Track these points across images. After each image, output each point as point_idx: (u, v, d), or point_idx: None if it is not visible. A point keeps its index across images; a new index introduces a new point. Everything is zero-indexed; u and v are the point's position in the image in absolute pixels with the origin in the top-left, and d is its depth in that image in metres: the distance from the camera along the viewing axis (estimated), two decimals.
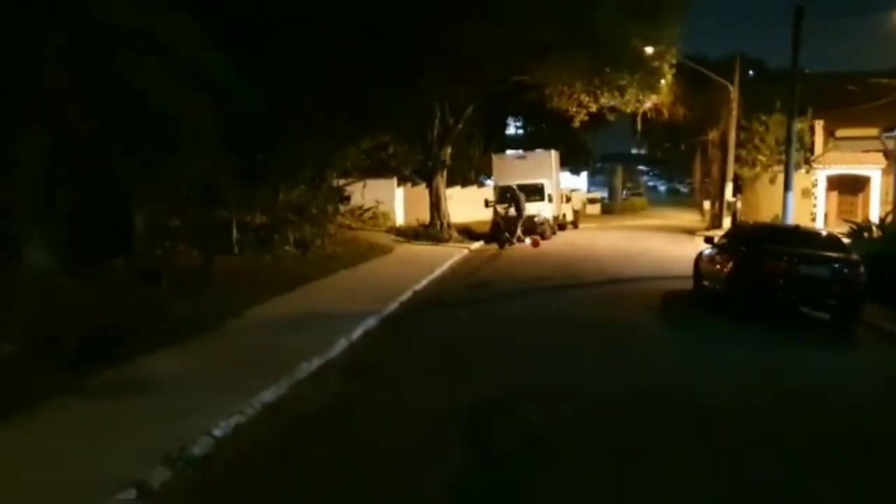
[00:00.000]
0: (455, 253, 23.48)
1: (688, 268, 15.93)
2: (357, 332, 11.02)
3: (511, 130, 53.96)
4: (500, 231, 26.89)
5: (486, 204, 29.70)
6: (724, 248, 14.06)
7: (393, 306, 13.50)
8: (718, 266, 13.58)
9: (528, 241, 25.84)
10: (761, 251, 12.61)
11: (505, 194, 27.45)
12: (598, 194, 63.08)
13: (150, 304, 10.74)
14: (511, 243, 25.71)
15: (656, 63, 25.53)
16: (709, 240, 15.34)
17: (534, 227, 28.38)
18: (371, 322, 11.85)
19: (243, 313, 11.87)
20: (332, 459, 6.16)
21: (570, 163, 51.88)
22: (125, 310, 10.24)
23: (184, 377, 8.26)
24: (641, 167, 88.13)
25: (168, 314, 10.68)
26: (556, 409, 7.49)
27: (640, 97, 26.93)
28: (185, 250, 16.68)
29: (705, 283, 14.52)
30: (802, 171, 31.04)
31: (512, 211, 26.36)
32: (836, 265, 12.21)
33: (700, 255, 15.26)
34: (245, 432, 6.70)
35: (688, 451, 6.30)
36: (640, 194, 73.81)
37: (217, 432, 6.46)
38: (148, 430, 6.44)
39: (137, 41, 7.69)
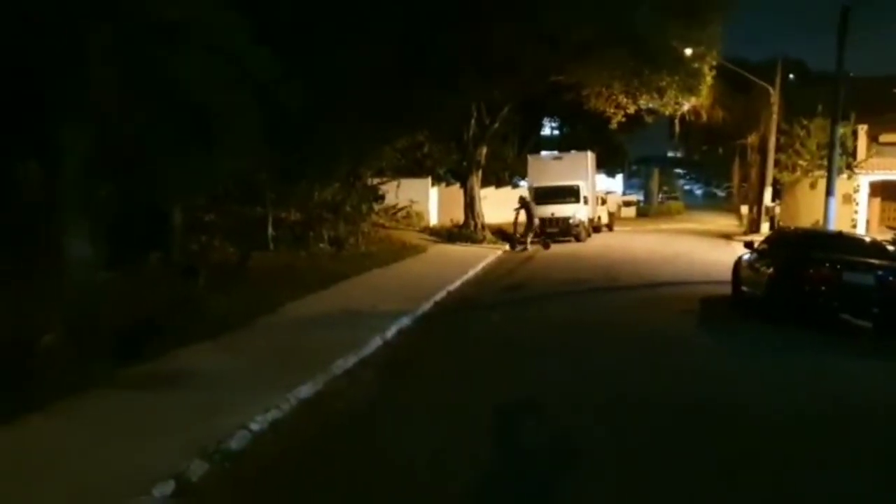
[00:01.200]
0: (489, 254, 23.42)
1: (726, 272, 15.66)
2: (391, 331, 11.02)
3: (546, 131, 53.72)
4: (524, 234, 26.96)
5: None
6: (765, 253, 13.79)
7: (427, 306, 13.48)
8: (759, 271, 13.31)
9: (530, 247, 25.55)
10: (803, 257, 12.34)
11: (517, 202, 27.11)
12: (633, 197, 62.54)
13: (188, 299, 10.84)
14: (525, 248, 25.51)
15: (696, 65, 25.21)
16: (748, 245, 15.03)
17: (568, 229, 28.22)
18: (405, 321, 11.84)
19: (279, 310, 11.98)
20: (367, 456, 6.13)
21: (606, 165, 51.52)
22: (163, 304, 10.36)
23: (221, 371, 8.32)
24: (678, 170, 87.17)
25: (205, 309, 10.77)
26: (589, 412, 7.37)
27: (680, 99, 26.62)
28: (220, 246, 16.89)
29: (744, 288, 14.25)
30: (844, 176, 30.43)
31: (522, 217, 26.05)
32: (881, 272, 11.91)
33: (739, 259, 14.98)
34: (282, 427, 6.72)
35: (738, 460, 6.16)
36: (676, 198, 72.93)
37: (254, 426, 6.48)
38: (185, 423, 6.47)
39: (182, 36, 7.74)
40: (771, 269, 12.76)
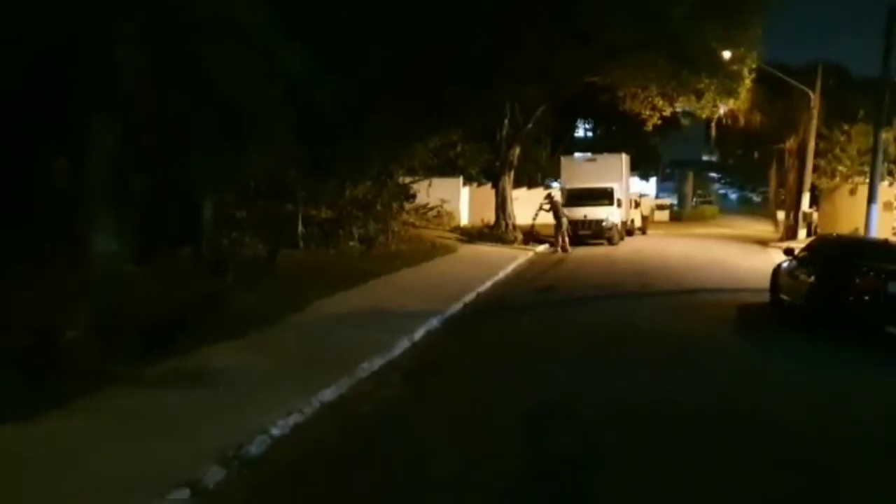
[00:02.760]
0: (520, 255, 23.13)
1: (762, 280, 15.24)
2: (419, 333, 10.83)
3: (579, 133, 53.25)
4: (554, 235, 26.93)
5: None
6: (805, 260, 13.35)
7: (456, 307, 13.28)
8: (799, 279, 12.89)
9: (559, 250, 25.07)
10: (846, 265, 11.90)
11: (543, 203, 26.74)
12: (667, 200, 61.76)
13: (216, 295, 10.75)
14: (556, 250, 25.15)
15: (735, 67, 24.67)
16: (788, 251, 14.58)
17: (601, 232, 27.83)
18: (434, 323, 11.64)
19: (307, 308, 11.87)
20: (390, 465, 5.93)
21: (640, 168, 50.92)
22: (191, 299, 10.27)
23: (244, 371, 8.18)
24: (712, 174, 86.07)
25: (233, 306, 10.67)
26: (622, 422, 7.05)
27: (718, 101, 26.10)
28: (250, 242, 16.86)
29: (783, 296, 13.83)
30: (885, 183, 29.67)
31: (549, 218, 25.59)
32: None
33: (778, 267, 14.55)
34: (304, 432, 6.54)
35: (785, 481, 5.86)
36: (710, 202, 71.97)
37: (275, 431, 6.31)
38: (205, 424, 6.34)
39: (215, 28, 7.58)
40: (812, 278, 12.34)
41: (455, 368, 9.40)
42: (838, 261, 12.29)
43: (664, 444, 6.45)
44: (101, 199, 8.01)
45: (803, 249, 14.36)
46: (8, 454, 5.63)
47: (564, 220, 25.39)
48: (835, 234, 16.31)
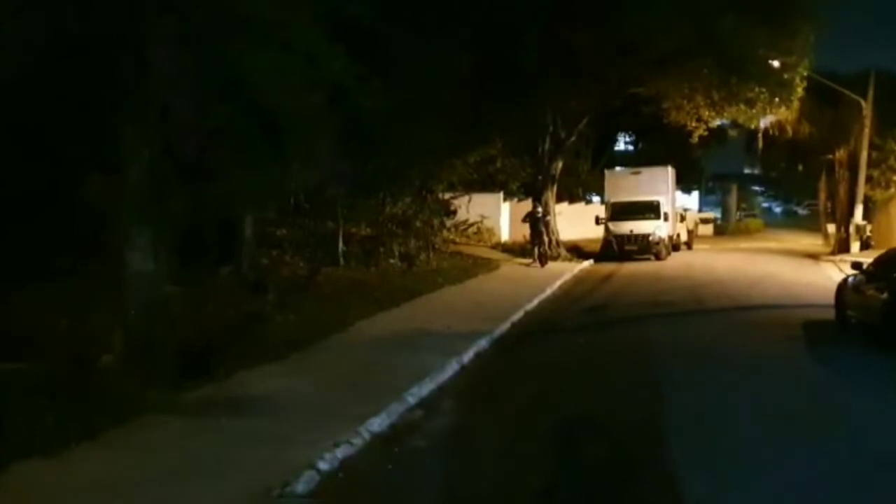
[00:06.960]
0: (565, 271, 22.45)
1: (821, 295, 14.44)
2: (468, 355, 10.29)
3: (620, 146, 52.54)
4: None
5: (597, 221, 28.61)
6: (875, 275, 12.53)
7: (504, 327, 12.73)
8: (869, 295, 12.09)
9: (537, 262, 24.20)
10: None
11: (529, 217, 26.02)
12: (710, 214, 60.63)
13: (256, 316, 10.37)
14: (532, 262, 24.40)
15: (786, 75, 23.83)
16: (856, 265, 13.73)
17: (648, 247, 27.06)
18: (483, 344, 11.10)
19: (349, 328, 11.54)
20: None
21: (682, 181, 49.95)
22: (230, 321, 9.90)
23: (287, 398, 7.75)
24: (755, 187, 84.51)
25: (274, 327, 10.29)
26: (714, 457, 6.31)
27: (770, 111, 25.27)
28: (290, 261, 16.55)
29: (850, 313, 13.00)
30: None
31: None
32: None
33: (844, 282, 13.73)
34: (353, 466, 6.01)
35: None
36: (755, 215, 70.59)
37: (323, 466, 5.79)
38: (247, 458, 5.90)
39: (254, 33, 7.13)
40: (885, 294, 11.54)
41: (509, 396, 8.77)
42: None
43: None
44: (137, 216, 7.62)
45: (872, 264, 13.53)
46: (34, 493, 5.19)
47: (545, 238, 24.74)
48: None
